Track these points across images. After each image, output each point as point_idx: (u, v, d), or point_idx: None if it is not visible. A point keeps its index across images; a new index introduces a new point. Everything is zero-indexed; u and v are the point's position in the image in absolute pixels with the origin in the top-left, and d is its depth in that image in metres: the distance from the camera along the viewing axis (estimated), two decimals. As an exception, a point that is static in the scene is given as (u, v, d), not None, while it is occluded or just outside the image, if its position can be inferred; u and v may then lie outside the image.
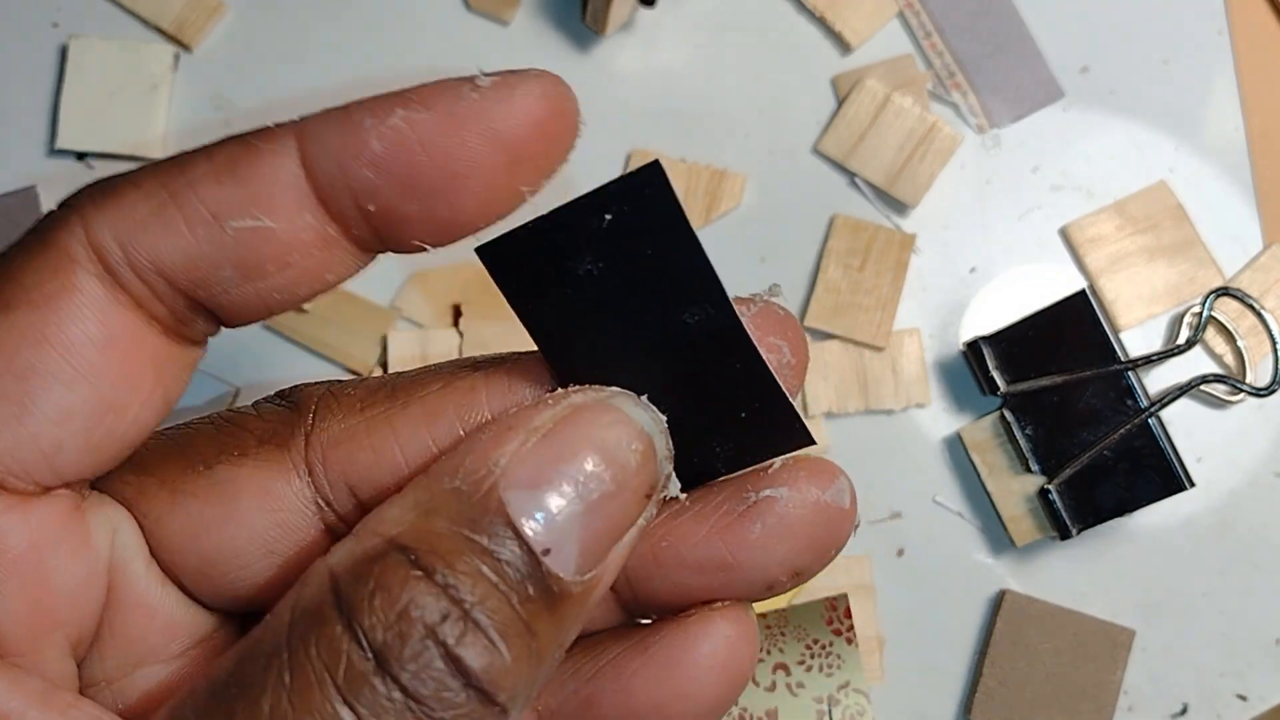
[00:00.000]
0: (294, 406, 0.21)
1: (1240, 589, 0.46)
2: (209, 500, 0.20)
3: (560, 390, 0.19)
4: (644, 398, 0.19)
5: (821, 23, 0.48)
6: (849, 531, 0.20)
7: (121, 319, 0.18)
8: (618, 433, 0.18)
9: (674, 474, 0.19)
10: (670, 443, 0.19)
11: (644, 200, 0.18)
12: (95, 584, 0.19)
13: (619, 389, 0.19)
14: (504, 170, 0.19)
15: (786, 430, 0.19)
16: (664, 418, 0.19)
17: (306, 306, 0.46)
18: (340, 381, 0.21)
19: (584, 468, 0.17)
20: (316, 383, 0.22)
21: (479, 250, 0.19)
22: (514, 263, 0.20)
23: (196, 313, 0.19)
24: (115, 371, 0.18)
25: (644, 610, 0.21)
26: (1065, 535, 0.43)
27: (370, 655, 0.16)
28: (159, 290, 0.18)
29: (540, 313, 0.20)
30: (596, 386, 0.19)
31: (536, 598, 0.17)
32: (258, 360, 0.47)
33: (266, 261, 0.18)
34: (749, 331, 0.18)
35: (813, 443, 0.19)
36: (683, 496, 0.20)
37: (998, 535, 0.46)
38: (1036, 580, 0.46)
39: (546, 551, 0.17)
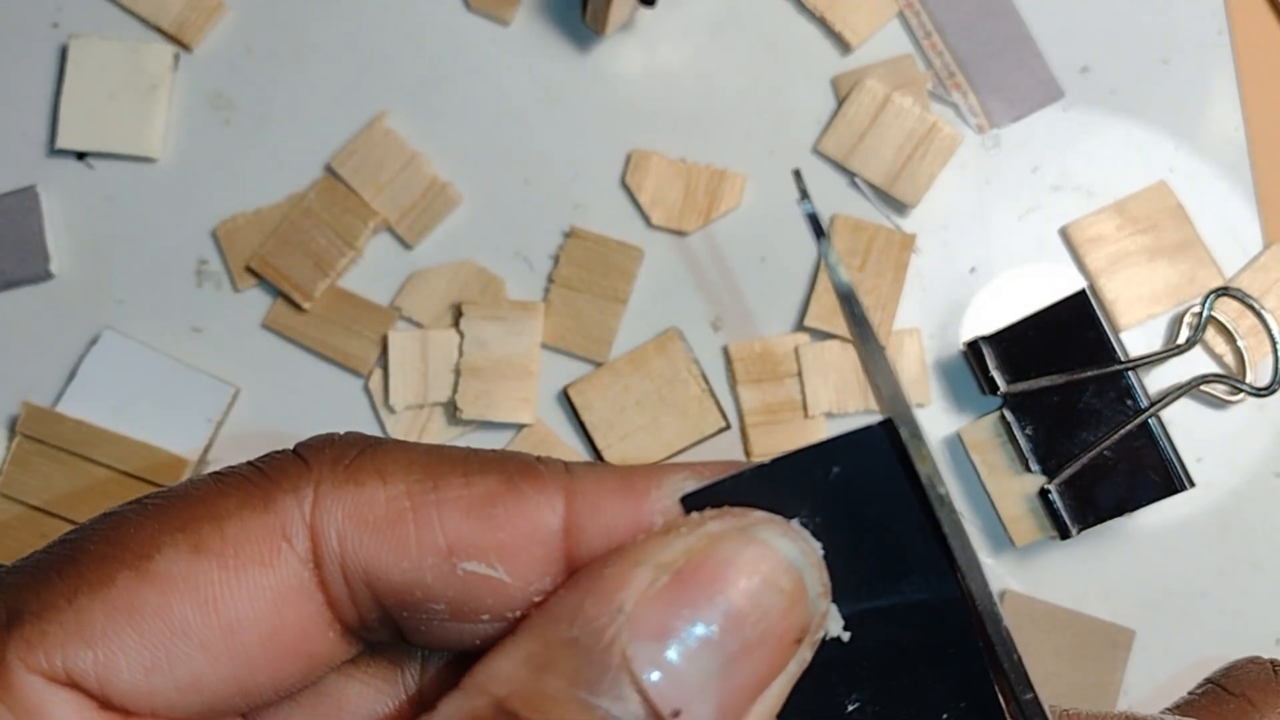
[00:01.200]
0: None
1: (1240, 589, 0.46)
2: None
3: (695, 515, 0.16)
4: (795, 521, 0.16)
5: (821, 23, 0.48)
6: None
7: (300, 613, 0.17)
8: (763, 570, 0.16)
9: (835, 609, 0.17)
10: (826, 576, 0.16)
11: (869, 458, 0.16)
12: None
13: (764, 513, 0.16)
14: None
15: None
16: (819, 546, 0.16)
17: (305, 305, 0.46)
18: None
19: (722, 614, 0.15)
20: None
21: (684, 499, 0.16)
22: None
23: (384, 625, 0.17)
24: (265, 661, 0.17)
25: None
26: (1065, 535, 0.43)
27: None
28: (358, 598, 0.17)
29: None
30: (738, 510, 0.16)
31: None
32: (257, 360, 0.47)
33: (485, 611, 0.16)
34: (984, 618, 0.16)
35: None
36: (845, 636, 0.17)
37: (998, 535, 0.46)
38: (1036, 580, 0.46)
39: (677, 714, 0.15)
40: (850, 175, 0.47)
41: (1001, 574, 0.46)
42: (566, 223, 0.47)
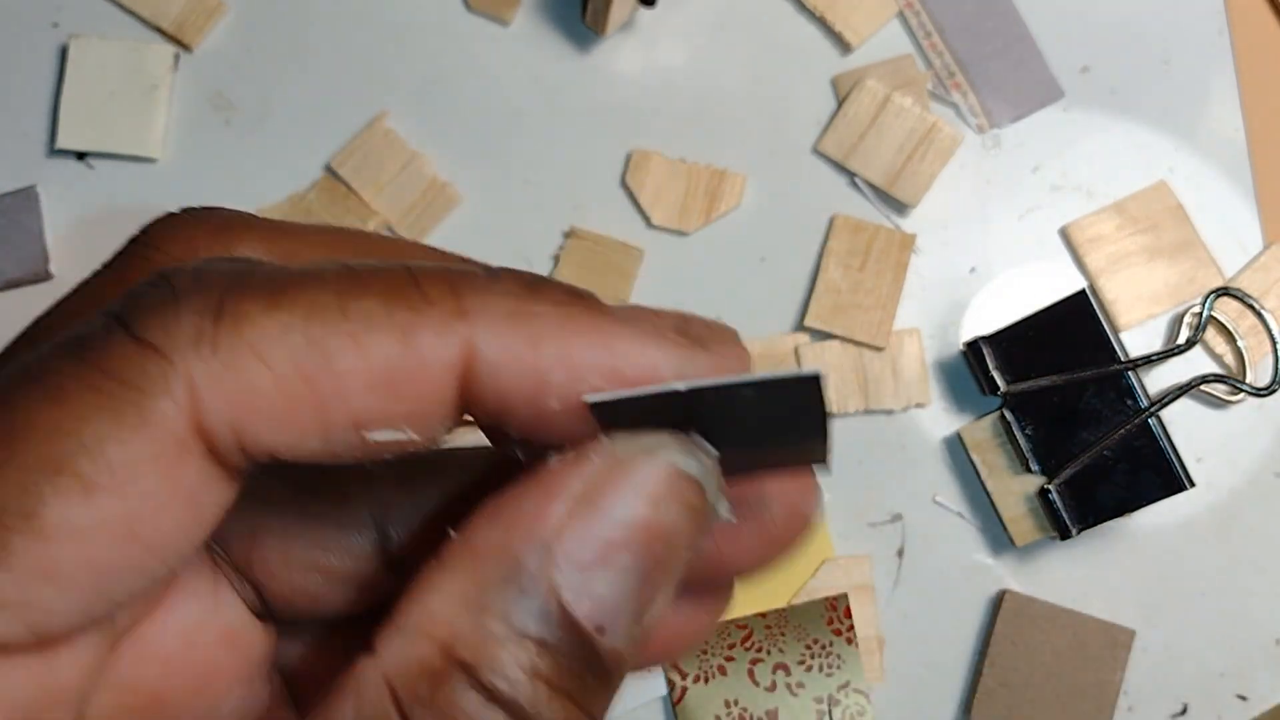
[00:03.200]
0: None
1: (1240, 589, 0.46)
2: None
3: (603, 439, 0.16)
4: (692, 433, 0.17)
5: (821, 23, 0.48)
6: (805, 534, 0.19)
7: (202, 490, 0.16)
8: (669, 491, 0.16)
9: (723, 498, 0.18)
10: (722, 479, 0.17)
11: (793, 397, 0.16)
12: None
13: (665, 435, 0.17)
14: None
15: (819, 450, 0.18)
16: (715, 453, 0.17)
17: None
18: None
19: (637, 538, 0.16)
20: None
21: (592, 405, 0.16)
22: (622, 419, 0.17)
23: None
24: (181, 541, 0.16)
25: None
26: (1065, 535, 0.44)
27: None
28: (261, 463, 0.16)
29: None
30: (639, 434, 0.17)
31: (595, 679, 0.16)
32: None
33: (386, 456, 0.16)
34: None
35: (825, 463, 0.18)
36: (733, 519, 0.18)
37: (998, 535, 0.46)
38: (1036, 580, 0.46)
39: (600, 630, 0.16)
40: (850, 175, 0.47)
41: (1001, 574, 0.46)
42: (567, 223, 0.47)
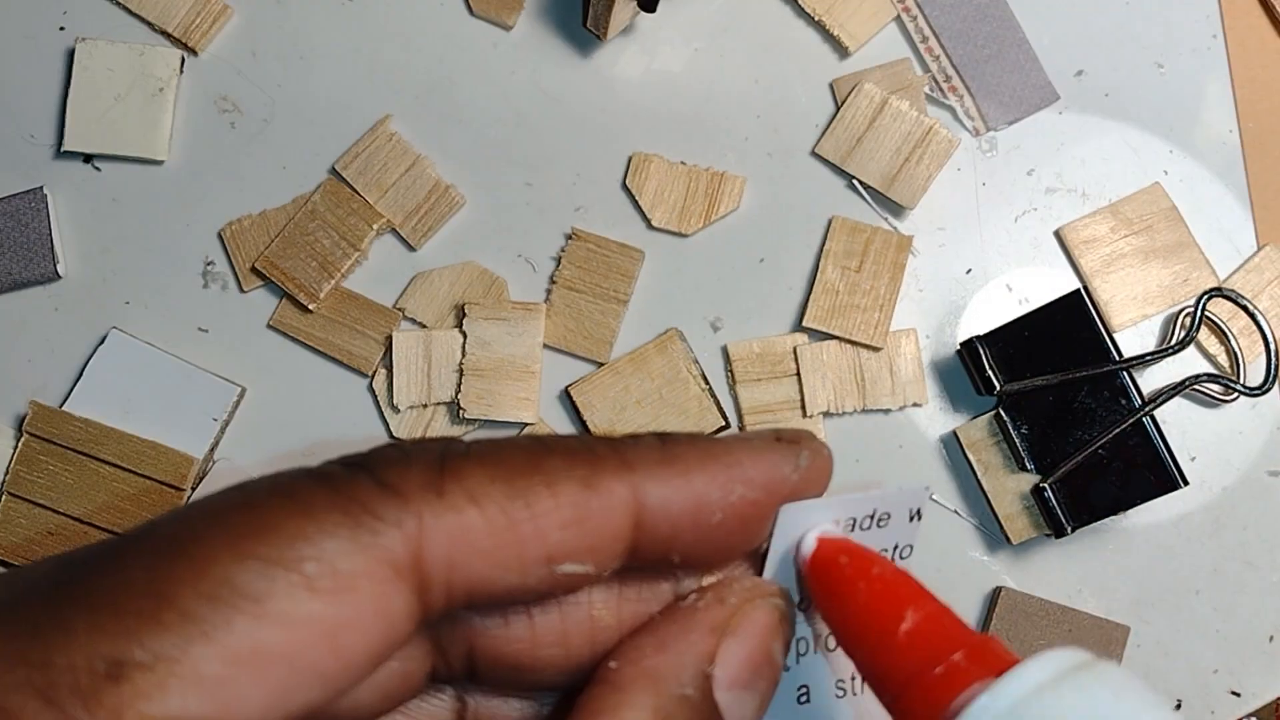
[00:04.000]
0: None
1: (1234, 586, 0.47)
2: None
3: (728, 579, 0.21)
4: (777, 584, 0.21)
5: (820, 27, 0.48)
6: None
7: (405, 638, 0.18)
8: (779, 631, 0.20)
9: None
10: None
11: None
12: None
13: (776, 585, 0.21)
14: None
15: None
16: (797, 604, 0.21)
17: (311, 306, 0.47)
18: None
19: (763, 669, 0.20)
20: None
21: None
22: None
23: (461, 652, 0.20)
24: (371, 686, 0.18)
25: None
26: (1060, 533, 0.44)
27: None
28: (454, 605, 0.18)
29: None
30: (757, 581, 0.21)
31: None
32: (263, 360, 0.48)
33: (566, 593, 0.19)
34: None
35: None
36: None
37: (993, 533, 0.46)
38: (1032, 577, 0.47)
39: None
40: (848, 178, 0.48)
41: (997, 571, 0.47)
42: (568, 224, 0.48)
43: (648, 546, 0.19)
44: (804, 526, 0.20)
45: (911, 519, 0.21)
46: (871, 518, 0.21)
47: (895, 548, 0.22)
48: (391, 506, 0.17)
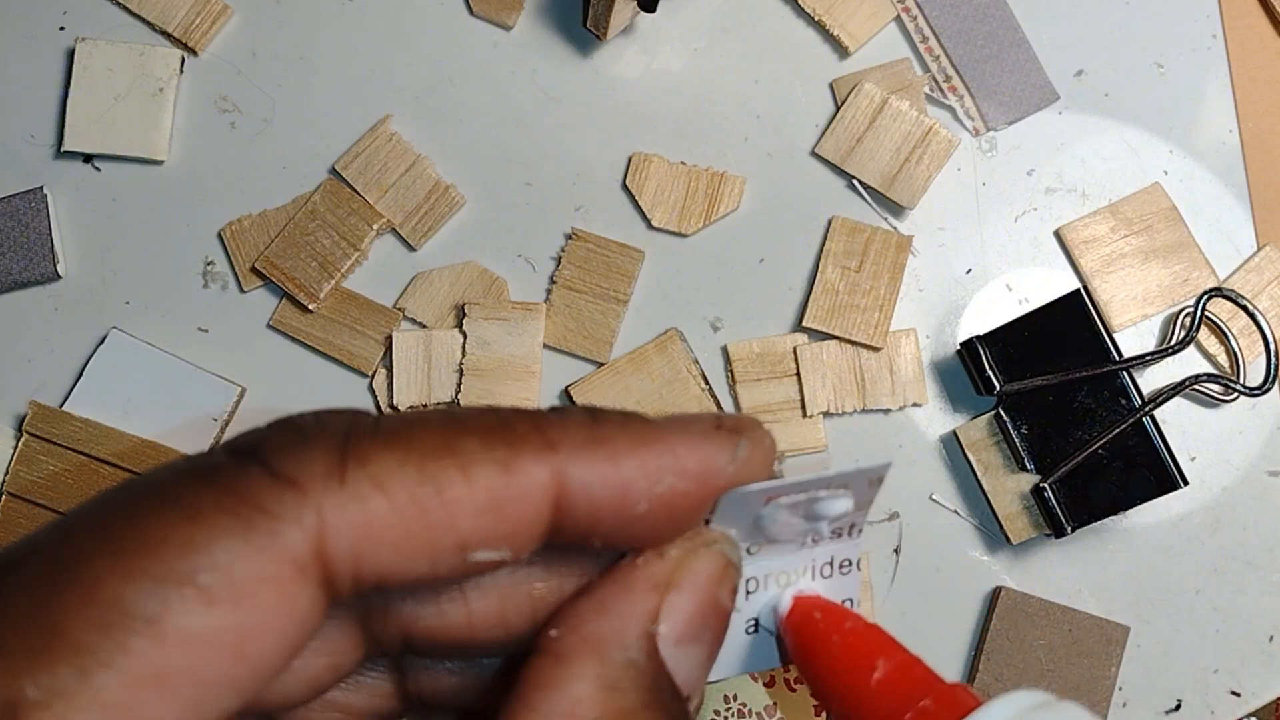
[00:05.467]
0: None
1: (1233, 586, 0.47)
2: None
3: (676, 540, 0.20)
4: (733, 533, 0.20)
5: (820, 27, 0.48)
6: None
7: (315, 630, 0.17)
8: (725, 577, 0.19)
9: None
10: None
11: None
12: None
13: (719, 531, 0.20)
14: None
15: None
16: (739, 544, 0.20)
17: (311, 306, 0.47)
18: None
19: (710, 619, 0.19)
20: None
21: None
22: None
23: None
24: (288, 681, 0.18)
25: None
26: (1060, 533, 0.44)
27: None
28: (363, 592, 0.17)
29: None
30: (699, 531, 0.20)
31: None
32: (263, 360, 0.48)
33: (484, 574, 0.18)
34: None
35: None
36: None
37: (993, 533, 0.46)
38: (1032, 577, 0.47)
39: (689, 700, 0.19)
40: (848, 178, 0.48)
41: (997, 571, 0.47)
42: (568, 225, 0.48)
43: (569, 530, 0.18)
44: (748, 498, 0.20)
45: (871, 487, 0.20)
46: (828, 490, 0.20)
47: (852, 528, 0.21)
48: (288, 501, 0.16)
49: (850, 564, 0.22)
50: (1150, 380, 0.46)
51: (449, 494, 0.17)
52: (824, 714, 0.45)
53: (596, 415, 0.19)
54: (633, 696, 0.18)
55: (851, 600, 0.22)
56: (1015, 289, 0.48)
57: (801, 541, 0.21)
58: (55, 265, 0.47)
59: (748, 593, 0.21)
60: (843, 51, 0.48)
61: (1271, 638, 0.47)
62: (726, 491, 0.19)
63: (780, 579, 0.21)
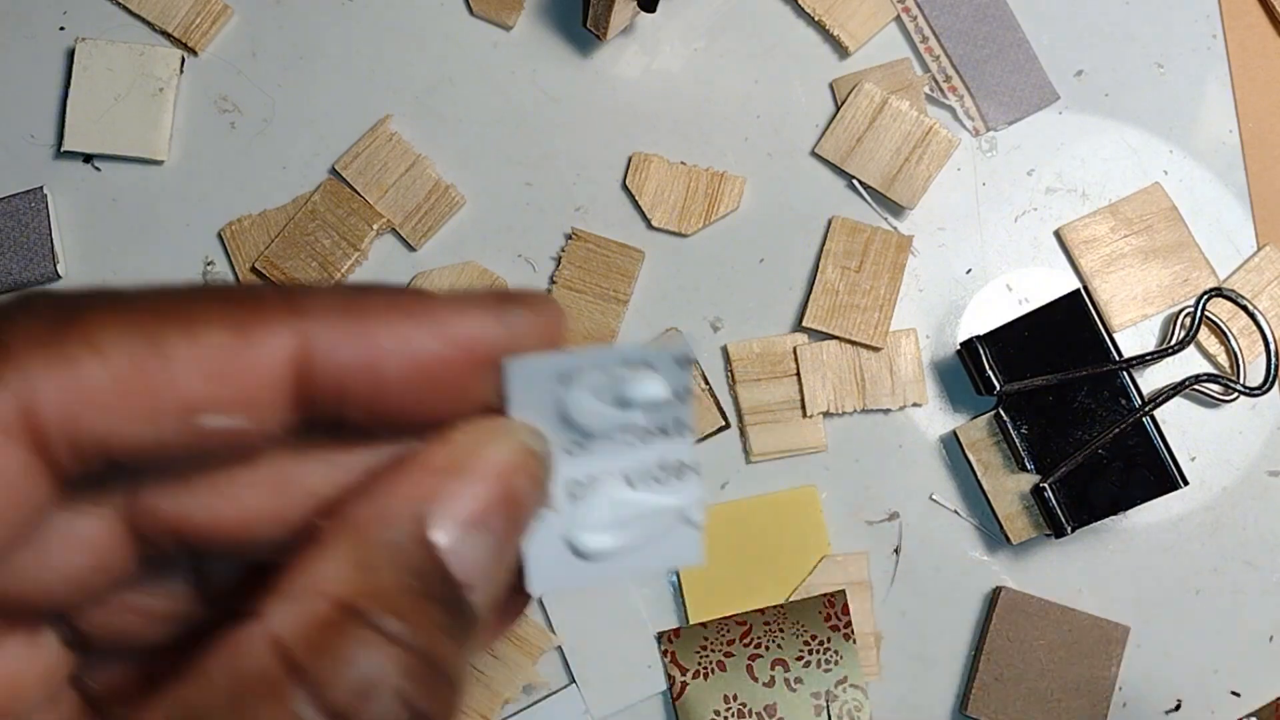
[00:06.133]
0: None
1: (1233, 586, 0.47)
2: None
3: (463, 423, 0.18)
4: (542, 427, 0.19)
5: (820, 27, 0.48)
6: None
7: (29, 492, 0.16)
8: (524, 468, 0.18)
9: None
10: (551, 461, 0.19)
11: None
12: None
13: (527, 424, 0.19)
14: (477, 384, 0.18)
15: None
16: (546, 436, 0.19)
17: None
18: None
19: (499, 507, 0.18)
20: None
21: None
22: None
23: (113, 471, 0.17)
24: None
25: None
26: (1060, 533, 0.44)
27: None
28: (90, 465, 0.16)
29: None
30: (494, 420, 0.19)
31: (463, 634, 0.17)
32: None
33: (224, 451, 0.17)
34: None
35: None
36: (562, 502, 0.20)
37: (993, 533, 0.46)
38: (1032, 577, 0.47)
39: (470, 589, 0.17)
40: (848, 178, 0.48)
41: (997, 571, 0.47)
42: (568, 225, 0.48)
43: (322, 402, 0.17)
44: (537, 376, 0.18)
45: (680, 368, 0.19)
46: (629, 368, 0.19)
47: (678, 424, 0.20)
48: (8, 380, 0.15)
49: (685, 467, 0.20)
50: (1150, 380, 0.46)
51: (172, 355, 0.16)
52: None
53: (366, 286, 0.18)
54: (389, 576, 0.17)
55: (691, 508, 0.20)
56: (1015, 289, 0.48)
57: (623, 439, 0.20)
58: (55, 265, 0.47)
59: (573, 496, 0.20)
60: (843, 51, 0.48)
61: (1271, 638, 0.47)
62: (507, 365, 0.18)
63: (610, 483, 0.20)
